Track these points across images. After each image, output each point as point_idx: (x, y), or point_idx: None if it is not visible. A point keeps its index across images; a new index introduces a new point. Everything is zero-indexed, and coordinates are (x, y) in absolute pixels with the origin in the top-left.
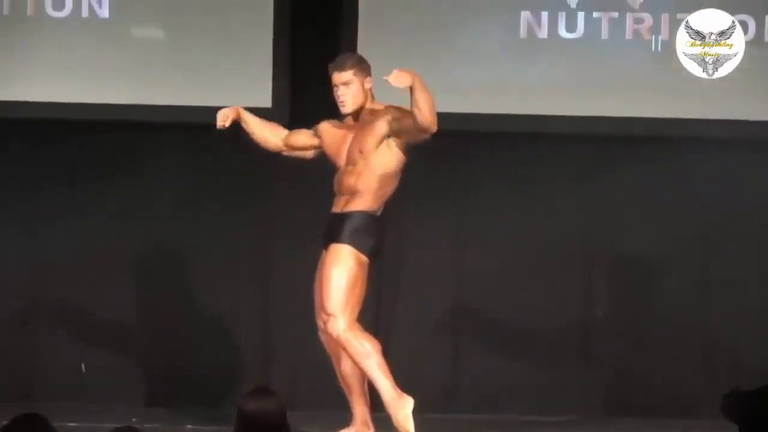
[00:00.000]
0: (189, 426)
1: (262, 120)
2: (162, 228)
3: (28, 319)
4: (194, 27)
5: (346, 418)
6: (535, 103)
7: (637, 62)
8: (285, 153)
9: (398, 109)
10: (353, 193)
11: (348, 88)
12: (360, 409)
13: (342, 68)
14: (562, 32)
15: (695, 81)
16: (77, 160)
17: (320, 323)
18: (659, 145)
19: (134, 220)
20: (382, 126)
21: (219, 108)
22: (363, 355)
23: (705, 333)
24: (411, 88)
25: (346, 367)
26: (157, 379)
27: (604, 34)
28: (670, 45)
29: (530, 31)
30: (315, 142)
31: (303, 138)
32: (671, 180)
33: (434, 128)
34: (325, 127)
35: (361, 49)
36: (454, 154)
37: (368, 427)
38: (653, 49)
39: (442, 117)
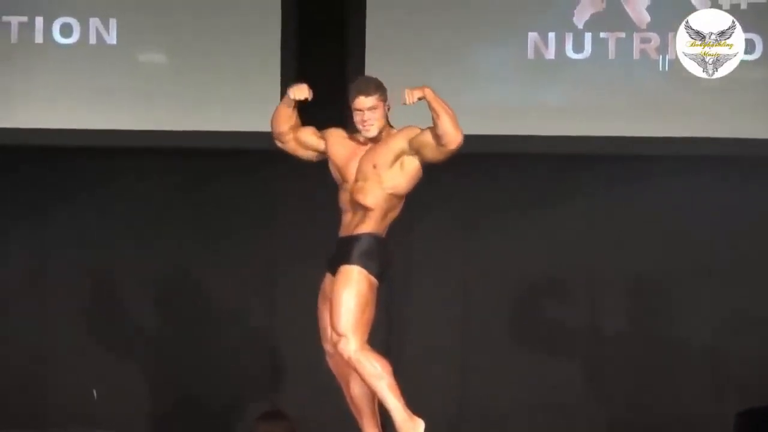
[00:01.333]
0: None
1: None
2: (171, 251)
3: (40, 347)
4: (201, 51)
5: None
6: (543, 124)
7: (644, 82)
8: (283, 142)
9: (418, 127)
10: (363, 211)
11: (374, 113)
12: (371, 431)
13: (368, 93)
14: (570, 53)
15: (702, 95)
16: (85, 184)
17: (328, 347)
18: (668, 165)
19: (141, 244)
20: (400, 142)
21: (228, 132)
22: (374, 377)
23: (714, 354)
24: (428, 102)
25: (356, 389)
26: (167, 404)
27: (612, 54)
28: (677, 64)
29: (538, 52)
30: (320, 146)
31: (309, 136)
32: (679, 200)
33: (458, 139)
34: (335, 135)
35: (369, 69)
36: (462, 176)
37: None
38: (660, 69)
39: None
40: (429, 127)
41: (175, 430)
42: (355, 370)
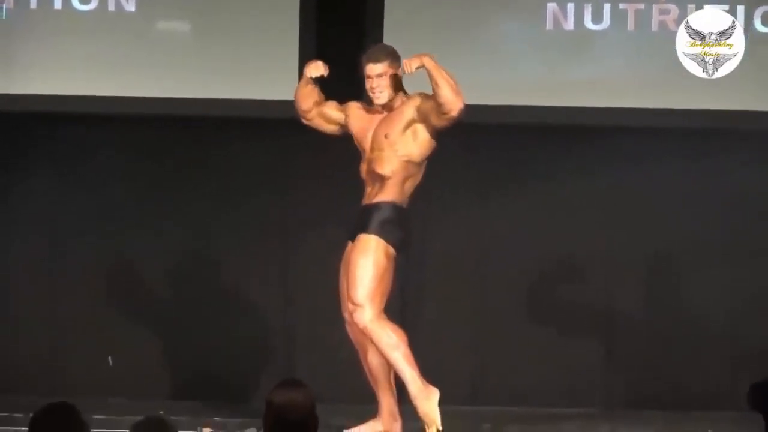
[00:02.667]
0: (216, 418)
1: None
2: (186, 223)
3: (55, 314)
4: (220, 21)
5: (373, 410)
6: (561, 95)
7: (663, 53)
8: (309, 119)
9: (426, 94)
10: (381, 180)
11: (382, 80)
12: (387, 400)
13: (377, 60)
14: (588, 24)
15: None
16: (101, 154)
17: (347, 315)
18: (688, 138)
19: (158, 215)
20: (409, 111)
21: (245, 101)
22: (389, 346)
23: (730, 326)
24: (427, 71)
25: (373, 359)
26: (183, 373)
27: (630, 26)
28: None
29: (556, 23)
30: (341, 119)
31: (332, 110)
32: (698, 174)
33: (458, 106)
34: (355, 108)
35: (387, 43)
36: (478, 148)
37: (395, 419)
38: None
39: (467, 109)
40: (432, 95)
41: (191, 400)
42: (371, 340)
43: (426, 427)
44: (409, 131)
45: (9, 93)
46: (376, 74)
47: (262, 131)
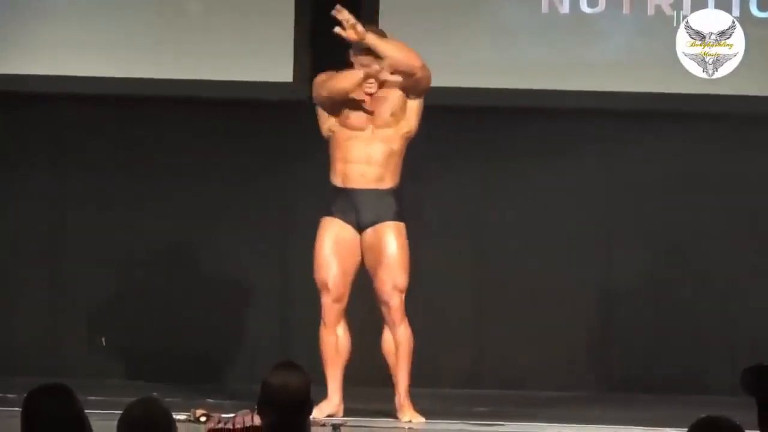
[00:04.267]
0: (209, 400)
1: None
2: (181, 205)
3: (50, 295)
4: (216, 3)
5: (366, 395)
6: (555, 78)
7: (658, 37)
8: (335, 102)
9: None
10: (381, 159)
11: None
12: (340, 383)
13: (371, 51)
14: (584, 7)
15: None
16: (96, 135)
17: (331, 300)
18: (683, 121)
19: (155, 198)
20: (396, 91)
21: (242, 83)
22: (411, 338)
23: (727, 310)
24: (371, 46)
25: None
26: (177, 356)
27: (626, 9)
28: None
29: (552, 6)
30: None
31: None
32: (697, 157)
33: (416, 63)
34: None
35: (383, 25)
36: (475, 131)
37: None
38: (674, 25)
39: (464, 92)
40: None
41: (185, 383)
42: (400, 326)
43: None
44: (406, 107)
45: (9, 73)
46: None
47: (261, 113)
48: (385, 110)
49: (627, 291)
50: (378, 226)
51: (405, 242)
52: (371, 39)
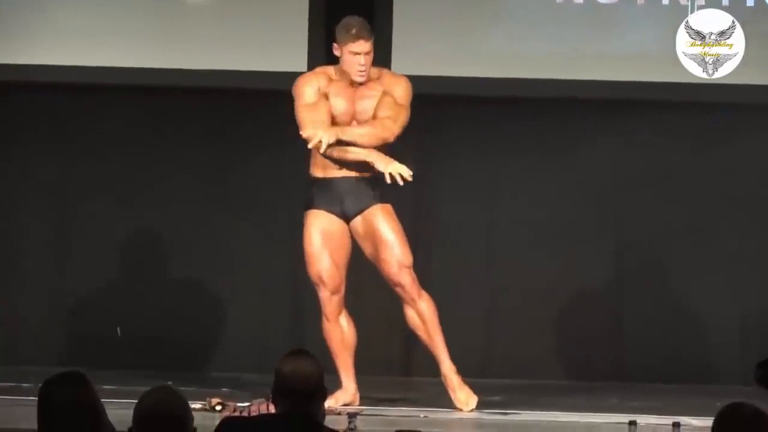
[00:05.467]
0: (225, 389)
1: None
2: (194, 192)
3: (63, 284)
4: None
5: (376, 383)
6: (570, 69)
7: (673, 28)
8: None
9: (393, 77)
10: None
11: (369, 57)
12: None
13: (368, 37)
14: None
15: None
16: (107, 125)
17: (327, 294)
18: (696, 111)
19: (164, 185)
20: (381, 94)
21: (256, 72)
22: (434, 309)
23: (739, 299)
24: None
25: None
26: (190, 345)
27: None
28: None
29: None
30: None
31: (324, 112)
32: (709, 148)
33: (390, 136)
34: (326, 87)
35: (396, 14)
36: (489, 121)
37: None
38: (690, 13)
39: (478, 81)
40: (387, 116)
41: (198, 371)
42: (420, 301)
43: (464, 404)
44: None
45: (18, 63)
46: (365, 51)
47: (275, 102)
48: (369, 108)
49: (637, 279)
50: (365, 213)
51: (396, 220)
52: (346, 137)
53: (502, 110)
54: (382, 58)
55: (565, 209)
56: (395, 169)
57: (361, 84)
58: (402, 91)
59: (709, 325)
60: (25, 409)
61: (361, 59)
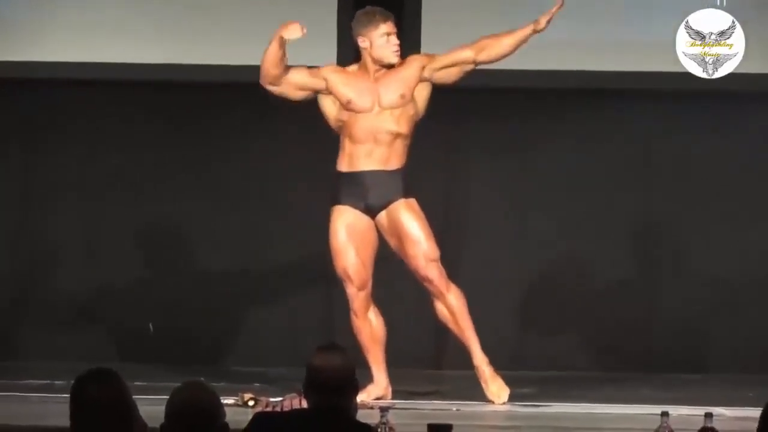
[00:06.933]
0: (256, 384)
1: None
2: (220, 186)
3: (93, 279)
4: None
5: (407, 376)
6: (597, 60)
7: None
8: (277, 84)
9: (424, 56)
10: (391, 140)
11: (396, 38)
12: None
13: (393, 19)
14: None
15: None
16: (132, 119)
17: (354, 290)
18: (725, 101)
19: (191, 181)
20: (415, 70)
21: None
22: (464, 300)
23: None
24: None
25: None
26: (222, 341)
27: None
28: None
29: None
30: (318, 85)
31: (305, 76)
32: (733, 138)
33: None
34: (332, 72)
35: (426, 6)
36: (518, 112)
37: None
38: (718, 3)
39: (507, 73)
40: (444, 54)
41: (229, 363)
42: (449, 294)
43: (496, 397)
44: (416, 91)
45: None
46: (395, 31)
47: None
48: (393, 90)
49: (668, 270)
50: (390, 208)
51: (420, 214)
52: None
53: (531, 101)
54: (410, 49)
55: (595, 200)
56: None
57: (378, 73)
58: (420, 56)
59: (740, 315)
60: (58, 406)
61: (394, 38)
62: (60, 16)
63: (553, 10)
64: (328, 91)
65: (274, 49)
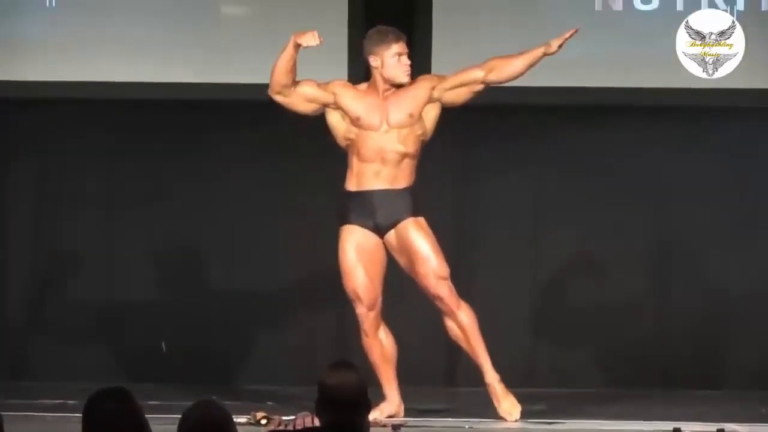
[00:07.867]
0: (270, 402)
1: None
2: (236, 203)
3: (107, 299)
4: (270, 7)
5: (419, 393)
6: (609, 76)
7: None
8: (286, 95)
9: (434, 76)
10: (399, 159)
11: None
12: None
13: (404, 37)
14: (638, 4)
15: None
16: (150, 138)
17: (365, 310)
18: (740, 116)
19: (205, 199)
20: (424, 91)
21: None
22: (474, 319)
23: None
24: None
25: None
26: (233, 359)
27: (680, 6)
28: (747, 15)
29: (605, 4)
30: (327, 99)
31: (314, 89)
32: (749, 153)
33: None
34: (342, 87)
35: (436, 25)
36: (530, 129)
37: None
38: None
39: (518, 90)
40: (454, 74)
41: (242, 382)
42: (459, 312)
43: (508, 414)
44: (424, 111)
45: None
46: (407, 51)
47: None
48: (402, 109)
49: (681, 287)
50: (398, 227)
51: (429, 232)
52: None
53: (541, 119)
54: (421, 67)
55: (607, 216)
56: None
57: (388, 92)
58: (430, 76)
59: (753, 330)
60: (70, 425)
61: (405, 58)
62: (80, 36)
63: (567, 35)
64: (337, 106)
65: (287, 56)
